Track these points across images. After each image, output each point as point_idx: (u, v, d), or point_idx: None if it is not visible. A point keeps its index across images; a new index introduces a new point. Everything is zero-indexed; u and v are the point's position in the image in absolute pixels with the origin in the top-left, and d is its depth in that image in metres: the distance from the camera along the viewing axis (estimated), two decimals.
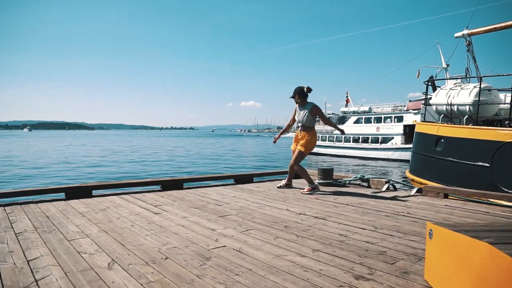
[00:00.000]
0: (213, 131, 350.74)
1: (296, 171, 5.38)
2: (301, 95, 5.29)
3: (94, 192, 4.77)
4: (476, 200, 4.41)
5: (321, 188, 5.46)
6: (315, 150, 34.99)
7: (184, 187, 5.40)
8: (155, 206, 4.07)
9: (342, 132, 5.71)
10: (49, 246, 2.62)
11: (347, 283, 2.00)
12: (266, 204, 4.22)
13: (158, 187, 5.27)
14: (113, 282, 2.01)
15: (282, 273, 2.15)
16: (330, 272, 2.17)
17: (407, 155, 25.50)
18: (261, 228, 3.17)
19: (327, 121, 5.72)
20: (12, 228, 3.12)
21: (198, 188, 5.44)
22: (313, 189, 5.06)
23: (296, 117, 5.42)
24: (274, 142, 5.82)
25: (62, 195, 4.57)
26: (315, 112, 5.24)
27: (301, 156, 5.30)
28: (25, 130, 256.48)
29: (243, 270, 2.18)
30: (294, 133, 5.63)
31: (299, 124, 5.37)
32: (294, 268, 2.23)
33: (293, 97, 5.36)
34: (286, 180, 5.61)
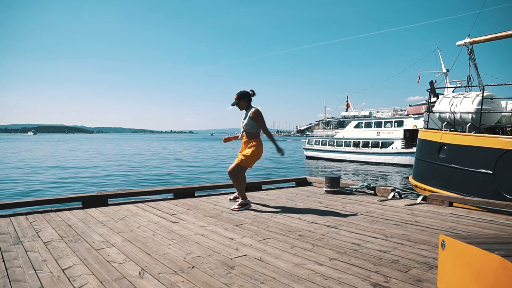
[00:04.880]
0: (212, 134, 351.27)
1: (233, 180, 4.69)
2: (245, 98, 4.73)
3: (110, 201, 4.91)
4: (480, 206, 4.55)
5: (329, 196, 5.61)
6: (316, 154, 35.23)
7: (195, 195, 5.54)
8: (172, 215, 4.22)
9: (280, 150, 4.72)
10: (79, 256, 2.77)
11: None
12: (279, 213, 4.37)
13: (170, 195, 5.41)
14: None
15: (304, 281, 2.30)
16: (349, 280, 2.32)
17: (407, 160, 25.70)
18: (277, 237, 3.32)
19: (265, 129, 4.72)
20: (39, 237, 3.26)
21: (209, 196, 5.58)
22: (244, 205, 4.60)
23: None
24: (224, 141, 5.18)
25: (79, 203, 4.71)
26: (253, 116, 4.63)
27: (240, 168, 4.66)
28: (30, 133, 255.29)
29: (267, 279, 2.33)
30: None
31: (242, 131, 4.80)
32: (314, 276, 2.38)
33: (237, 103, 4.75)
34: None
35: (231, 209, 4.55)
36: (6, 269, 2.48)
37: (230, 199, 5.14)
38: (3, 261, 2.64)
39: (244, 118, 4.71)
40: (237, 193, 4.89)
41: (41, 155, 35.29)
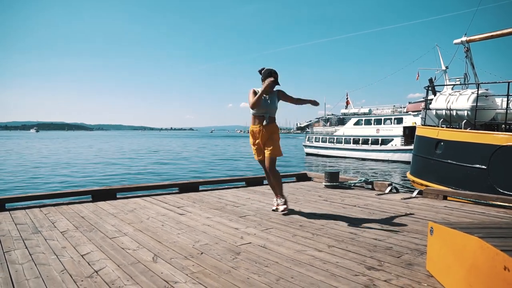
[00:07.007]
0: (211, 131, 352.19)
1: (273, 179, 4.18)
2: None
3: (118, 195, 5.12)
4: (474, 201, 4.76)
5: (328, 190, 5.81)
6: (316, 151, 35.45)
7: (200, 189, 5.75)
8: (178, 208, 4.43)
9: (315, 102, 4.29)
10: (95, 243, 2.98)
11: (361, 273, 2.36)
12: None
13: (176, 190, 5.62)
14: (161, 273, 2.36)
15: (305, 265, 2.51)
16: (345, 264, 2.53)
17: (406, 157, 25.88)
18: (279, 227, 3.53)
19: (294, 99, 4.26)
20: (56, 227, 3.48)
21: (213, 190, 5.79)
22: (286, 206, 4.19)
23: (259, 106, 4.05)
24: None
25: (88, 197, 4.92)
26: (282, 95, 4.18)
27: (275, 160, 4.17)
28: (32, 131, 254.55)
29: (270, 263, 2.54)
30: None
31: (266, 115, 4.07)
32: (314, 261, 2.59)
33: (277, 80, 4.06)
34: (277, 199, 4.25)
35: (282, 213, 4.11)
36: (30, 254, 2.69)
37: (273, 209, 4.27)
38: (26, 247, 2.85)
39: (269, 101, 4.07)
40: (276, 191, 4.27)
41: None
